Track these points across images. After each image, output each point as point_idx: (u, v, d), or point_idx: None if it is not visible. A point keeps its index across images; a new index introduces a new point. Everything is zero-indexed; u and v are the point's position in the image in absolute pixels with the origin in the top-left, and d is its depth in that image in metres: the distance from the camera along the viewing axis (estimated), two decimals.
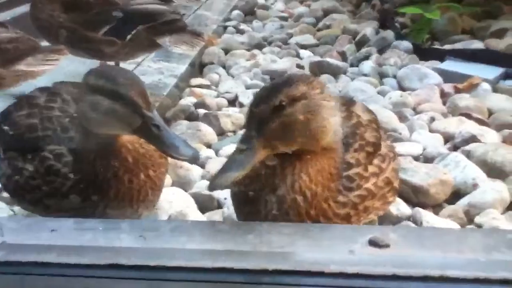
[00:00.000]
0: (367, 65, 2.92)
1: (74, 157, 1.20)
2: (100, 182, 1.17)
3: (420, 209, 1.58)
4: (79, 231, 0.88)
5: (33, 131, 1.26)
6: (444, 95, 2.50)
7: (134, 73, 1.24)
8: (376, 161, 1.20)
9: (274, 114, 1.02)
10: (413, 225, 1.54)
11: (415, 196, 1.68)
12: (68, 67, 2.54)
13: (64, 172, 1.19)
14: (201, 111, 2.43)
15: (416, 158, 1.94)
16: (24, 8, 2.86)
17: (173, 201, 1.62)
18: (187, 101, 2.55)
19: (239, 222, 1.04)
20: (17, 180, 1.23)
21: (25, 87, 1.99)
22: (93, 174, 1.17)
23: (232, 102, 2.63)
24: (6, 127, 1.34)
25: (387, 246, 0.82)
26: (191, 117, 2.39)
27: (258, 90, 1.12)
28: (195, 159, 1.09)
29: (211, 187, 0.97)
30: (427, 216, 1.55)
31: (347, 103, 1.33)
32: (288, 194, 0.99)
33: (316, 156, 1.05)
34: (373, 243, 0.83)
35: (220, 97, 2.65)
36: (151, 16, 2.30)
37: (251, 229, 0.86)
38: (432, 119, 2.22)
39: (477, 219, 1.55)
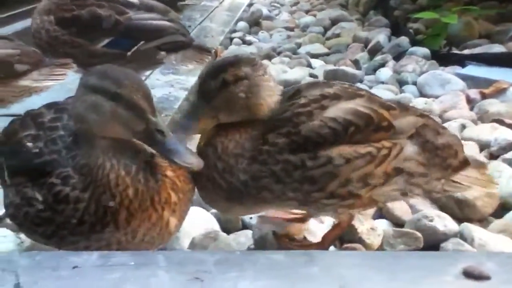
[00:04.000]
0: (384, 73, 2.81)
1: (80, 174, 1.07)
2: (112, 194, 1.04)
3: (469, 225, 1.44)
4: (106, 268, 0.74)
5: (40, 155, 1.12)
6: (470, 101, 2.37)
7: (138, 75, 1.15)
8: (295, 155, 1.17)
9: (219, 89, 1.20)
10: (462, 242, 1.39)
11: (460, 210, 1.53)
12: (75, 82, 2.40)
13: (74, 196, 1.05)
14: None
15: None
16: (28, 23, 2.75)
17: (194, 221, 1.48)
18: None
19: (295, 251, 0.89)
20: (26, 211, 1.08)
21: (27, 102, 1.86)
22: (103, 186, 1.05)
23: None
24: (12, 149, 1.19)
25: (487, 278, 0.67)
26: None
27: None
28: (198, 167, 1.04)
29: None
30: (477, 231, 1.40)
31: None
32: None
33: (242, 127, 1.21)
34: (469, 274, 0.68)
35: None
36: (154, 32, 2.18)
37: (313, 259, 0.71)
38: (463, 127, 2.09)
39: None
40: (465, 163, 1.34)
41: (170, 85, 2.63)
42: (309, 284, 0.65)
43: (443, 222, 1.44)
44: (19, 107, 1.99)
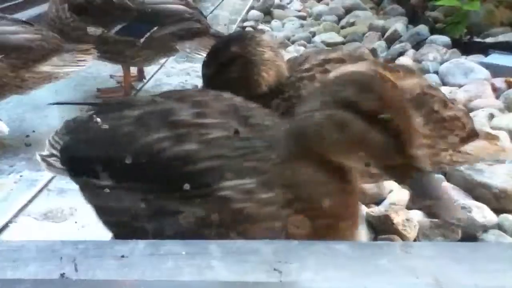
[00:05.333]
0: (404, 62, 2.74)
1: (268, 188, 0.85)
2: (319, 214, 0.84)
3: (509, 216, 1.39)
4: (157, 257, 0.69)
5: (194, 161, 0.88)
6: (495, 90, 2.31)
7: (403, 94, 1.00)
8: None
9: (216, 72, 1.22)
10: (503, 234, 1.34)
11: (496, 201, 1.48)
12: (90, 69, 2.35)
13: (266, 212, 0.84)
14: None
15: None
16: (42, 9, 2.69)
17: None
18: None
19: (360, 241, 0.84)
20: (161, 226, 0.87)
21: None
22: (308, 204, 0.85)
23: None
24: (140, 152, 0.93)
25: None
26: None
27: None
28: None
29: None
30: None
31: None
32: None
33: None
34: None
35: None
36: (169, 17, 2.11)
37: (381, 250, 0.66)
38: (492, 116, 2.03)
39: None
40: (473, 134, 1.32)
41: (186, 73, 2.58)
42: (381, 276, 0.60)
43: (482, 213, 1.39)
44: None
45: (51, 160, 1.12)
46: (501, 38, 2.77)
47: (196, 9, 2.20)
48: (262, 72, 1.22)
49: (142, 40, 2.03)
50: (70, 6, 2.06)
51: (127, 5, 2.02)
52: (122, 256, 0.70)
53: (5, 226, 1.38)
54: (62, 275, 0.67)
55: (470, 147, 1.31)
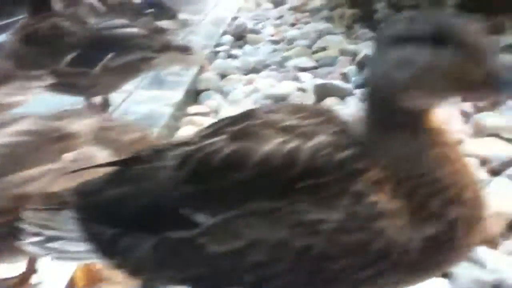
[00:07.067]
0: None
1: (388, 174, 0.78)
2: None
3: (479, 248, 1.36)
4: None
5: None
6: (464, 114, 2.32)
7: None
8: None
9: None
10: (474, 266, 1.31)
11: None
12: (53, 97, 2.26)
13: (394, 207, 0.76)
14: None
15: None
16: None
17: None
18: (186, 131, 2.30)
19: None
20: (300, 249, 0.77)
21: None
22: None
23: None
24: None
25: None
26: None
27: None
28: None
29: None
30: (489, 254, 1.32)
31: None
32: None
33: None
34: None
35: None
36: (124, 42, 2.04)
37: None
38: (460, 142, 2.03)
39: None
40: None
41: (154, 100, 2.52)
42: None
43: None
44: None
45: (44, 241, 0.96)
46: None
47: (153, 26, 2.14)
48: None
49: (96, 69, 1.95)
50: (21, 37, 1.99)
51: (78, 33, 1.95)
52: None
53: None
54: None
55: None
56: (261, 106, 1.15)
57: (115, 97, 2.45)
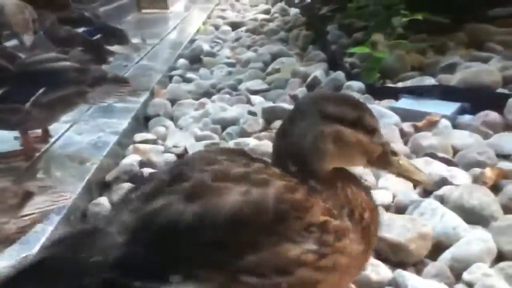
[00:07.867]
0: None
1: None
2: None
3: (402, 272, 1.38)
4: None
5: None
6: (404, 135, 2.39)
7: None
8: None
9: None
10: None
11: (393, 254, 1.48)
12: None
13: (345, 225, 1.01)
14: (147, 170, 2.17)
15: (387, 208, 1.77)
16: None
17: None
18: (131, 159, 2.27)
19: None
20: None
21: None
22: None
23: (181, 156, 2.39)
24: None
25: None
26: (135, 178, 2.12)
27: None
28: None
29: None
30: (410, 279, 1.35)
31: None
32: None
33: None
34: None
35: (167, 152, 2.40)
36: (55, 76, 2.00)
37: None
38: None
39: (466, 276, 1.37)
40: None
41: (100, 129, 2.49)
42: None
43: (376, 270, 1.38)
44: None
45: None
46: (409, 82, 2.90)
47: (85, 58, 2.12)
48: None
49: (27, 104, 1.91)
50: None
51: (6, 68, 1.91)
52: None
53: None
54: None
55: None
56: (189, 156, 1.25)
57: (57, 127, 2.41)
